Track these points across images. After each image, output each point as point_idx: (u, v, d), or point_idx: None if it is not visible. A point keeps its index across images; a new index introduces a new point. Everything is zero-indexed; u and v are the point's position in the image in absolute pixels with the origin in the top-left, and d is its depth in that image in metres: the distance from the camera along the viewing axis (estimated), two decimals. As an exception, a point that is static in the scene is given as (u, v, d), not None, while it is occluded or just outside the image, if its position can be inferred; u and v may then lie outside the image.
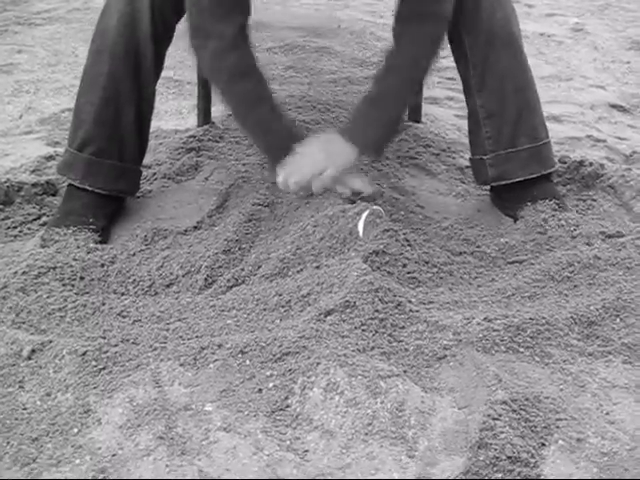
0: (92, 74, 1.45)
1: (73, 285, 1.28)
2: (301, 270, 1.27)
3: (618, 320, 1.21)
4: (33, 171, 1.74)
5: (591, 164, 1.71)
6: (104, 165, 1.46)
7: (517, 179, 1.52)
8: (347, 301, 1.16)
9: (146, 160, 1.66)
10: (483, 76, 1.49)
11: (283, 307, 1.21)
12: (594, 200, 1.63)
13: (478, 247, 1.44)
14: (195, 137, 1.85)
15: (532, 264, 1.35)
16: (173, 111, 2.26)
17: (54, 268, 1.28)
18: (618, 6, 4.56)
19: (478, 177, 1.59)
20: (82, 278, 1.29)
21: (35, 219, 1.56)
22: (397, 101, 1.41)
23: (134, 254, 1.36)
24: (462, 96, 1.61)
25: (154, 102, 1.53)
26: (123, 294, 1.28)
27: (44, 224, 1.52)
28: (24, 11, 4.02)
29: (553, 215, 1.47)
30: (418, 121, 1.99)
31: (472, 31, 1.47)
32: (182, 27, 1.59)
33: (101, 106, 1.43)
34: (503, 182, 1.53)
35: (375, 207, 1.37)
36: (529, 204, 1.51)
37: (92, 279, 1.29)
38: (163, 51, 1.49)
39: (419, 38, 1.38)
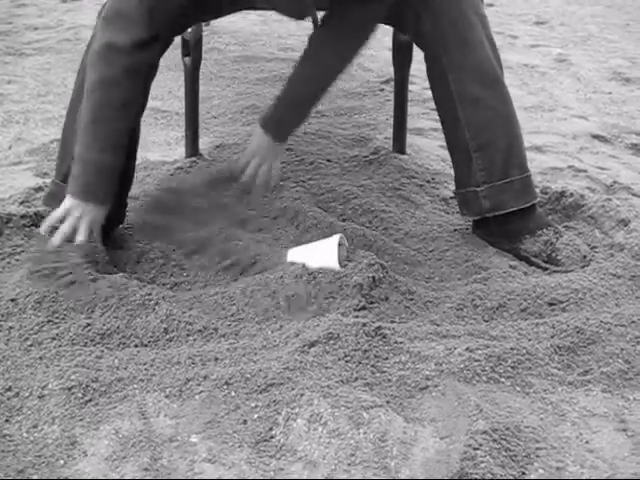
0: (77, 107, 1.47)
1: (59, 316, 1.29)
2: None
3: (598, 349, 1.24)
4: (22, 202, 1.75)
5: (572, 195, 1.74)
6: None
7: (512, 209, 1.55)
8: (330, 333, 1.18)
9: (133, 192, 1.68)
10: (471, 110, 1.52)
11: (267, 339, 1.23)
12: (576, 229, 1.66)
13: (463, 279, 1.47)
14: (182, 169, 1.87)
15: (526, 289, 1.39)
16: (161, 142, 2.28)
17: (40, 300, 1.29)
18: (600, 37, 4.65)
19: (470, 209, 1.60)
20: (66, 309, 1.30)
21: (23, 251, 1.56)
22: (307, 84, 1.53)
23: (119, 284, 1.36)
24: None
25: (139, 135, 1.55)
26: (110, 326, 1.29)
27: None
28: (15, 41, 4.06)
29: (560, 243, 1.52)
30: (402, 152, 2.02)
31: (456, 69, 1.50)
32: (170, 58, 1.64)
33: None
34: (498, 212, 1.55)
35: (337, 236, 1.40)
36: (528, 237, 1.54)
37: (78, 310, 1.30)
38: (147, 86, 1.51)
39: (347, 22, 1.47)
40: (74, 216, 1.39)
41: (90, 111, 1.40)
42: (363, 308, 1.29)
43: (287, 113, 1.54)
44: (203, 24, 1.96)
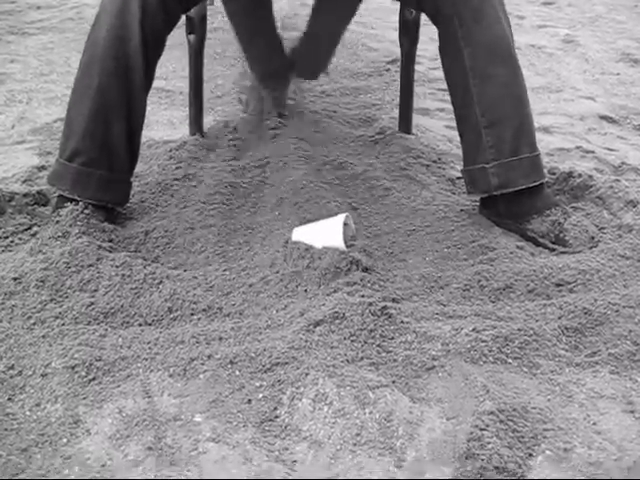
0: (82, 86, 1.45)
1: (62, 295, 1.28)
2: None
3: (605, 330, 1.22)
4: (25, 181, 1.74)
5: (580, 175, 1.72)
6: (94, 175, 1.47)
7: (521, 187, 1.53)
8: (336, 312, 1.17)
9: (137, 170, 1.66)
10: (484, 86, 1.50)
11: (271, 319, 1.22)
12: (584, 210, 1.64)
13: (469, 259, 1.45)
14: (186, 147, 1.85)
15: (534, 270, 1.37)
16: (165, 121, 2.26)
17: (43, 279, 1.29)
18: (608, 17, 4.59)
19: (478, 186, 1.58)
20: (70, 288, 1.29)
21: (26, 229, 1.55)
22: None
23: (123, 263, 1.35)
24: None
25: (144, 114, 1.54)
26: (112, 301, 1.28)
27: (35, 234, 1.52)
28: (18, 20, 4.02)
29: (568, 223, 1.51)
30: (409, 132, 2.00)
31: (471, 43, 1.48)
32: (174, 37, 1.62)
33: (91, 117, 1.44)
34: (506, 190, 1.53)
35: (342, 215, 1.39)
36: (535, 216, 1.52)
37: (81, 289, 1.29)
38: (153, 63, 1.50)
39: None
40: None
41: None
42: (367, 285, 1.27)
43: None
44: (207, 2, 1.94)
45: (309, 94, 2.47)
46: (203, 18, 1.81)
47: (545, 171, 1.63)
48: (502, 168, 1.53)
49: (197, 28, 1.81)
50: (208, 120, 2.16)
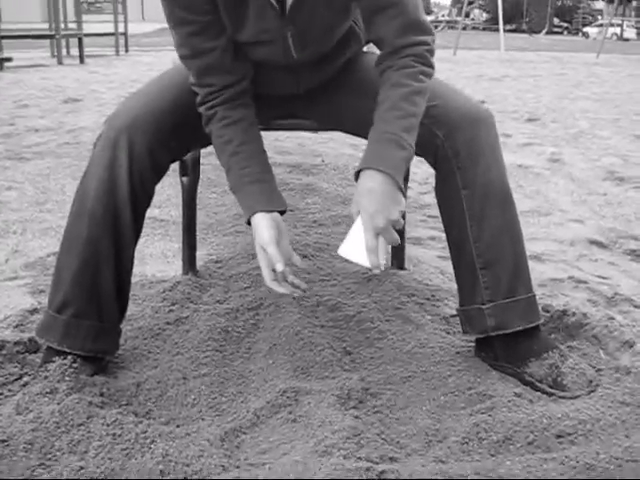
0: (72, 236, 1.46)
1: (51, 458, 1.24)
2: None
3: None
4: (16, 326, 1.73)
5: (574, 313, 1.72)
6: (83, 326, 1.46)
7: (517, 328, 1.52)
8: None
9: (130, 312, 1.65)
10: (480, 228, 1.52)
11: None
12: (580, 350, 1.63)
13: (467, 408, 1.43)
14: (178, 288, 1.85)
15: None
16: (158, 254, 2.28)
17: (31, 441, 1.25)
18: (591, 133, 4.74)
19: (474, 327, 1.58)
20: (59, 450, 1.25)
21: (16, 379, 1.53)
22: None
23: (114, 421, 1.32)
24: (444, 235, 1.63)
25: (133, 262, 1.54)
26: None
27: (25, 384, 1.50)
28: (16, 144, 4.12)
29: (565, 367, 1.50)
30: (402, 268, 2.01)
31: (469, 185, 1.51)
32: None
33: (80, 268, 1.44)
34: (503, 332, 1.53)
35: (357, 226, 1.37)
36: (533, 359, 1.51)
37: (70, 451, 1.26)
38: (142, 213, 1.51)
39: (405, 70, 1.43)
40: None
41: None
42: (363, 444, 1.24)
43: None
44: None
45: (300, 224, 2.50)
46: (196, 161, 1.85)
47: (540, 310, 1.63)
48: (498, 309, 1.53)
49: (190, 171, 1.84)
50: (201, 254, 2.17)
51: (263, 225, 1.44)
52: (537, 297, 1.59)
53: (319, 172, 3.29)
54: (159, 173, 1.51)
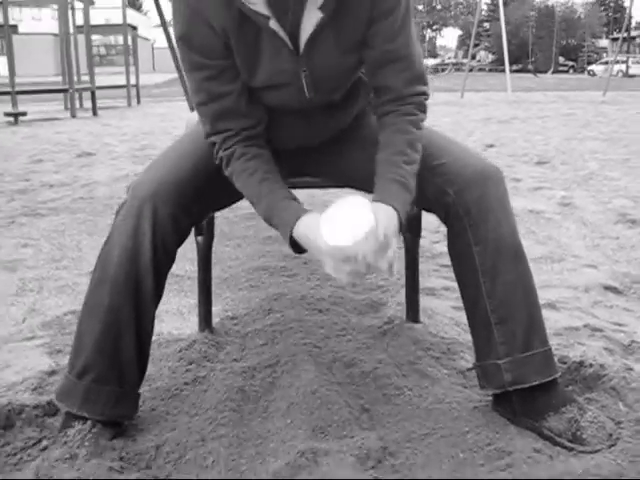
0: (93, 303, 1.48)
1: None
2: None
3: None
4: (34, 389, 1.74)
5: (591, 365, 1.71)
6: (103, 392, 1.47)
7: (535, 383, 1.52)
8: None
9: (147, 373, 1.65)
10: (494, 284, 1.53)
11: None
12: (598, 402, 1.62)
13: (486, 465, 1.42)
14: (195, 347, 1.86)
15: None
16: (174, 311, 2.29)
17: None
18: (601, 175, 4.76)
19: (491, 382, 1.57)
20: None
21: (35, 443, 1.53)
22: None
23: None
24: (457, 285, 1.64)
25: (153, 326, 1.55)
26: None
27: (44, 449, 1.50)
28: (31, 200, 4.18)
29: (584, 420, 1.49)
30: (416, 321, 2.01)
31: (481, 242, 1.52)
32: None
33: (101, 335, 1.46)
34: (520, 386, 1.53)
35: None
36: (551, 414, 1.51)
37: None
38: (164, 278, 1.53)
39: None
40: None
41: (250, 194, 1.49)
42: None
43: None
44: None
45: (314, 277, 2.51)
46: (211, 221, 1.88)
47: (557, 361, 1.63)
48: (514, 364, 1.53)
49: (205, 230, 1.87)
50: (217, 309, 2.19)
51: (315, 225, 1.35)
52: (553, 348, 1.59)
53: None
54: (181, 238, 1.54)
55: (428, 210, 1.65)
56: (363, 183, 1.70)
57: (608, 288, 2.50)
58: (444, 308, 2.23)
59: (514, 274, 1.54)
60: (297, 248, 1.45)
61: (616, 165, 5.21)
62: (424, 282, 2.43)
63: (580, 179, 4.60)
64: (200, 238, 1.88)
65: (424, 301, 2.23)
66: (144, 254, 1.45)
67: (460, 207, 1.53)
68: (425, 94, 1.55)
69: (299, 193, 1.55)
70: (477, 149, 6.18)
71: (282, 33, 1.41)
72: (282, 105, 1.57)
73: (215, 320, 2.09)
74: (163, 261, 1.50)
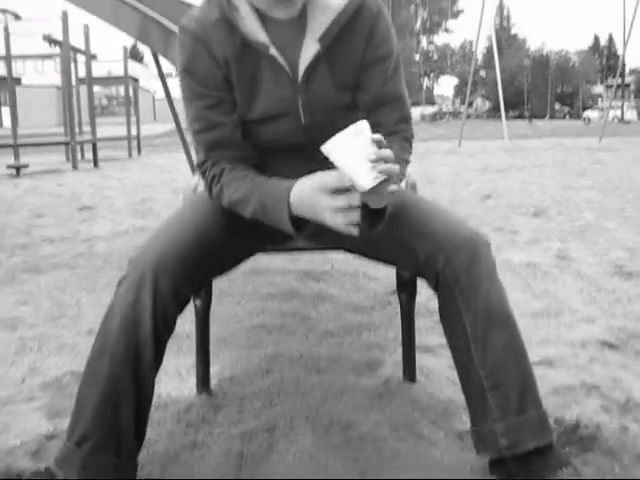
0: (93, 372, 1.49)
1: None
2: None
3: None
4: (33, 454, 1.75)
5: (587, 426, 1.72)
6: (102, 460, 1.47)
7: (530, 447, 1.53)
8: None
9: (145, 436, 1.67)
10: (485, 351, 1.55)
11: None
12: (594, 464, 1.62)
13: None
14: (193, 409, 1.87)
15: None
16: (172, 371, 2.29)
17: None
18: (597, 225, 4.80)
19: (487, 447, 1.58)
20: None
21: (33, 512, 1.54)
22: None
23: None
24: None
25: (153, 393, 1.57)
26: None
27: (41, 518, 1.51)
28: (32, 255, 4.21)
29: None
30: (413, 380, 2.03)
31: (471, 310, 1.55)
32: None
33: (100, 403, 1.47)
34: (516, 451, 1.53)
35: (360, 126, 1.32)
36: (548, 477, 1.51)
37: None
38: (164, 345, 1.55)
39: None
40: None
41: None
42: None
43: None
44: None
45: (312, 334, 2.53)
46: (209, 284, 1.90)
47: (551, 420, 1.64)
48: (509, 429, 1.54)
49: (203, 294, 1.89)
50: (215, 370, 2.20)
51: (309, 186, 1.42)
52: (550, 408, 1.60)
53: (329, 278, 3.34)
54: (182, 307, 1.56)
55: (418, 275, 1.68)
56: (355, 246, 1.73)
57: (605, 344, 2.51)
58: (441, 366, 2.24)
59: (505, 341, 1.56)
60: (297, 225, 1.49)
61: (612, 215, 5.26)
62: (420, 339, 2.45)
63: (576, 230, 4.63)
64: (198, 301, 1.91)
65: (421, 359, 2.24)
66: (144, 324, 1.47)
67: (450, 275, 1.55)
68: (412, 132, 1.69)
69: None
70: (475, 200, 6.24)
71: (281, 60, 1.52)
72: (277, 140, 1.62)
73: (213, 382, 2.09)
74: (163, 330, 1.52)
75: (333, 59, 1.55)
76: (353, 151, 1.30)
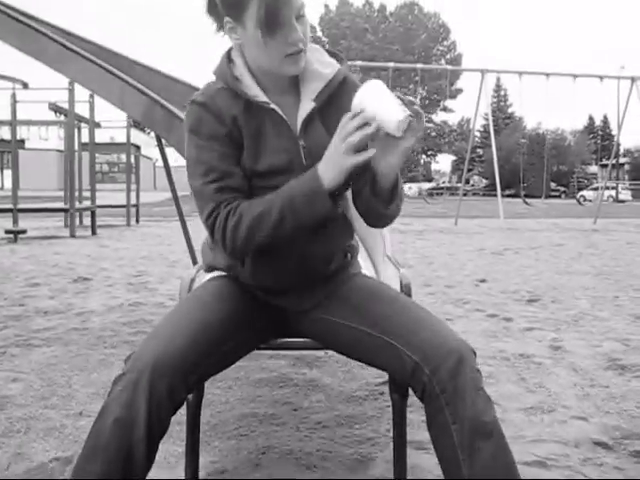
0: (85, 470, 1.47)
1: None
2: None
3: None
4: None
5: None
6: None
7: None
8: None
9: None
10: (472, 461, 1.54)
11: None
12: None
13: None
14: (181, 507, 1.84)
15: None
16: (161, 460, 2.26)
17: None
18: (591, 315, 4.80)
19: None
20: None
21: None
22: None
23: None
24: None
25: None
26: None
27: None
28: (24, 328, 4.19)
29: None
30: (403, 479, 2.00)
31: (457, 420, 1.54)
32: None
33: None
34: None
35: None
36: None
37: None
38: (157, 444, 1.52)
39: None
40: None
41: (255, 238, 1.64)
42: None
43: None
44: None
45: (304, 426, 2.50)
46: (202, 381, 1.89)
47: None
48: None
49: (195, 391, 1.87)
50: (205, 461, 2.17)
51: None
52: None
53: (323, 364, 3.32)
54: (177, 407, 1.55)
55: (406, 384, 1.68)
56: (346, 348, 1.76)
57: (598, 444, 2.49)
58: (433, 465, 2.21)
59: (492, 451, 1.55)
60: (334, 198, 1.60)
61: (606, 303, 5.27)
62: (412, 435, 2.42)
63: (570, 319, 4.64)
64: (190, 396, 1.89)
65: (412, 456, 2.22)
66: (138, 426, 1.46)
67: (436, 386, 1.56)
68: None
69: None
70: (470, 284, 6.26)
71: (282, 113, 1.70)
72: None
73: (202, 474, 2.06)
74: (157, 430, 1.50)
75: (325, 115, 1.74)
76: (384, 94, 1.51)
